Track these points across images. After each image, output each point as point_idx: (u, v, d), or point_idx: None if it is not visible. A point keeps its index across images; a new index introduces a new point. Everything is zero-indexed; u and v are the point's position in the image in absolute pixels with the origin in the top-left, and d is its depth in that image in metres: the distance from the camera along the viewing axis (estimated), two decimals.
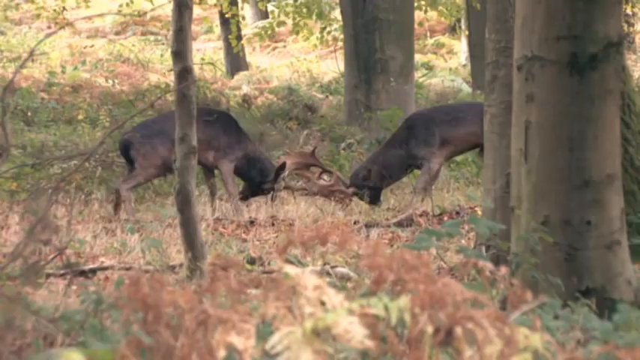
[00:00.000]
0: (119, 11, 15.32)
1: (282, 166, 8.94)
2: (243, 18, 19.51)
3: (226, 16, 16.45)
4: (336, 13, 16.76)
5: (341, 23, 14.53)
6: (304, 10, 17.04)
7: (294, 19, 17.21)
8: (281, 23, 17.44)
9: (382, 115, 11.60)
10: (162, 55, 19.84)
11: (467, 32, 17.86)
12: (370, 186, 9.03)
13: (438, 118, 9.34)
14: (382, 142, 10.92)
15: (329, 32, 17.91)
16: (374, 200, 8.97)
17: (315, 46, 19.69)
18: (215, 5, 17.30)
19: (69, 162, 8.31)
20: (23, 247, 3.43)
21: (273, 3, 18.47)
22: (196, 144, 5.26)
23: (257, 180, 8.95)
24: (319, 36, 18.01)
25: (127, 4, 15.13)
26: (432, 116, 9.49)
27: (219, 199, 8.97)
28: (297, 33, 18.35)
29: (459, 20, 20.88)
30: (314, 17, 17.24)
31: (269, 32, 17.69)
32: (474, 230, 6.24)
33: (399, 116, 11.19)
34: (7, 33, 21.42)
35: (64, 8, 15.97)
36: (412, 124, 9.39)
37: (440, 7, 17.07)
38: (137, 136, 8.49)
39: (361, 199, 8.95)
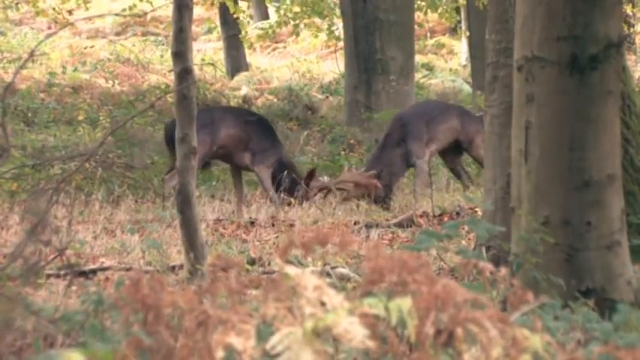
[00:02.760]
0: (123, 10, 15.28)
1: (312, 173, 9.05)
2: (252, 17, 19.49)
3: (234, 16, 16.45)
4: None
5: None
6: (309, 9, 17.03)
7: (294, 19, 17.20)
8: (284, 23, 17.42)
9: (379, 116, 11.60)
10: (162, 56, 19.84)
11: (467, 33, 17.85)
12: (382, 184, 9.08)
13: (427, 114, 9.46)
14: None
15: (333, 31, 17.90)
16: (385, 200, 8.99)
17: (325, 42, 19.66)
18: (212, 5, 17.27)
19: (69, 163, 8.28)
20: (23, 247, 3.43)
21: (276, 4, 18.45)
22: (195, 144, 5.26)
23: (287, 186, 8.98)
24: (327, 32, 18.00)
25: (130, 8, 15.12)
26: (421, 112, 9.59)
27: (219, 199, 8.97)
28: (298, 35, 18.34)
29: (459, 21, 20.88)
30: (316, 16, 17.24)
31: (268, 32, 17.68)
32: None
33: None
34: (8, 33, 21.41)
35: (70, 12, 15.98)
36: (405, 121, 9.44)
37: (440, 9, 17.08)
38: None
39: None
